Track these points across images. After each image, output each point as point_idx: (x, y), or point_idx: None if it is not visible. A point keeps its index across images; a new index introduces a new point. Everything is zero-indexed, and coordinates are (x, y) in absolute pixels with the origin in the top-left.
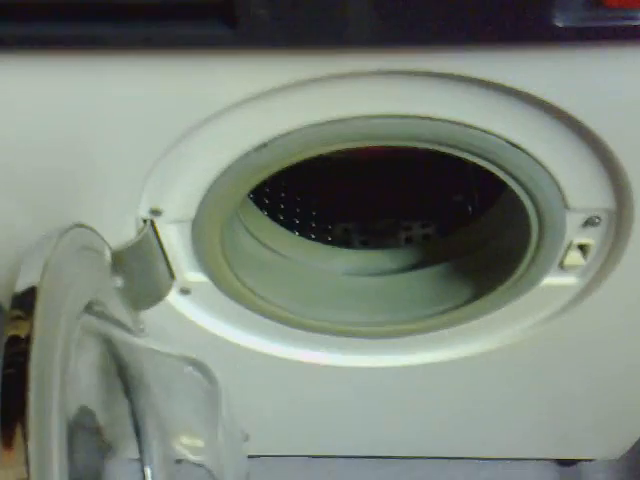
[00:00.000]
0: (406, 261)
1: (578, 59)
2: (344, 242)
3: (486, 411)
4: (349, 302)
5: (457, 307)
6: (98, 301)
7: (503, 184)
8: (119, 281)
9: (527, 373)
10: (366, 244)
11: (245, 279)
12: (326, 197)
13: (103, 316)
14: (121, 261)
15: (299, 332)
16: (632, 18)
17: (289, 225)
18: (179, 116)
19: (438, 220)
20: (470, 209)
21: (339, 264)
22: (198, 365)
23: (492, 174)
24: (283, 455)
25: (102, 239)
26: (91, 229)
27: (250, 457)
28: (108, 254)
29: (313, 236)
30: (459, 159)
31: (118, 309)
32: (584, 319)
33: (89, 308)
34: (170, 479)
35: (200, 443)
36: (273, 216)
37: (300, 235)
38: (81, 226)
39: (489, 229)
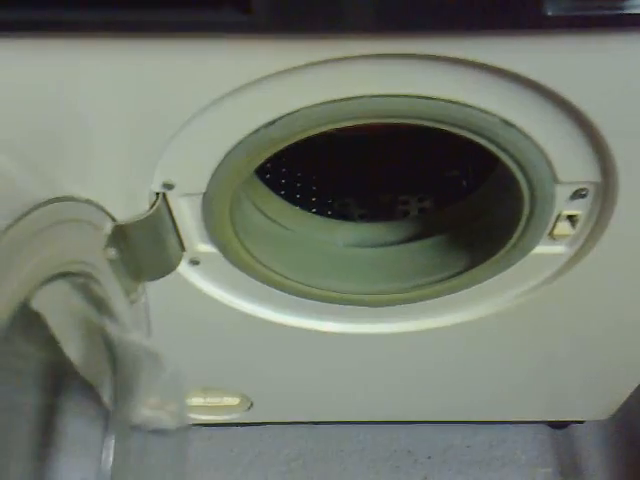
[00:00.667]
0: (404, 233)
1: (567, 44)
2: (343, 216)
3: (481, 375)
4: (350, 272)
5: (453, 276)
6: (83, 271)
7: (496, 159)
8: (113, 253)
9: (519, 338)
10: (365, 218)
11: (252, 250)
12: (326, 172)
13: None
14: (133, 233)
15: (303, 301)
16: (617, 7)
17: (290, 200)
18: (194, 95)
19: (435, 194)
20: (465, 183)
21: (340, 236)
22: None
23: (485, 150)
24: (286, 422)
25: (104, 213)
26: (90, 203)
27: (255, 424)
28: (108, 227)
29: (314, 210)
30: (455, 136)
31: (109, 280)
32: (573, 286)
33: (67, 275)
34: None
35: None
36: (275, 191)
37: (301, 209)
38: (74, 199)
39: (483, 202)
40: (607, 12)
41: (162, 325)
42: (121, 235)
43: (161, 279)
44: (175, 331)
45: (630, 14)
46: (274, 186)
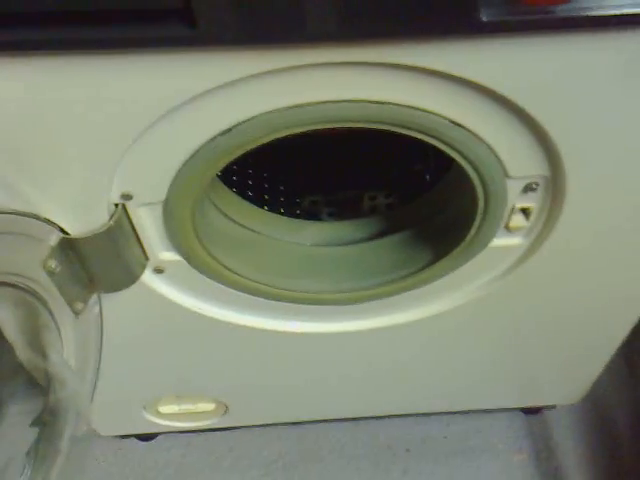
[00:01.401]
0: (370, 230)
1: (504, 46)
2: (313, 215)
3: (452, 366)
4: (318, 272)
5: (418, 271)
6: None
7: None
8: (54, 265)
9: (486, 328)
10: (333, 216)
11: (217, 255)
12: (293, 172)
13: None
14: (91, 245)
15: (272, 303)
16: (547, 12)
17: (258, 201)
18: (146, 108)
19: (400, 189)
20: (428, 177)
21: (308, 236)
22: None
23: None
24: (262, 425)
25: (48, 225)
26: (31, 216)
27: (232, 428)
28: (53, 239)
29: (282, 211)
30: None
31: (49, 293)
32: (532, 274)
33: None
34: None
35: None
36: (242, 193)
37: (270, 210)
38: (12, 213)
39: (443, 198)
40: (538, 17)
41: (129, 334)
42: (71, 247)
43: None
44: (142, 340)
45: (559, 18)
46: (241, 188)
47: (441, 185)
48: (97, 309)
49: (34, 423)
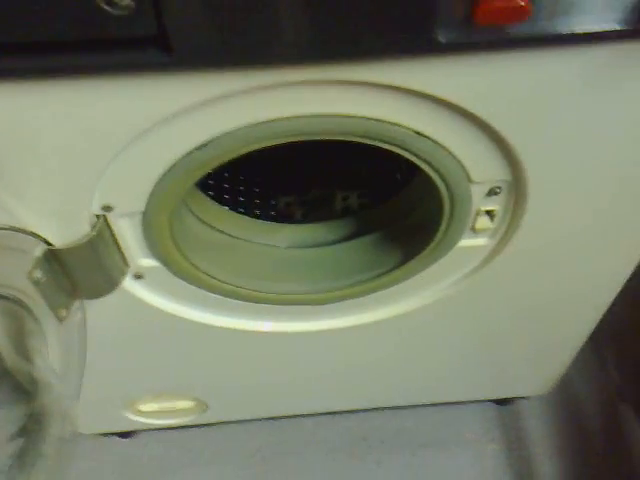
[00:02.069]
0: (343, 232)
1: (463, 64)
2: (287, 217)
3: (424, 361)
4: (293, 273)
5: (389, 271)
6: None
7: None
8: (40, 275)
9: (455, 324)
10: (307, 217)
11: (195, 261)
12: (268, 173)
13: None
14: (73, 255)
15: (248, 304)
16: (502, 32)
17: (234, 204)
18: (124, 127)
19: (371, 189)
20: (398, 177)
21: (282, 238)
22: None
23: None
24: (242, 420)
25: (32, 237)
26: (14, 229)
27: (210, 425)
28: (38, 250)
29: (258, 212)
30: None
31: (35, 302)
32: (498, 273)
33: None
34: None
35: None
36: (218, 197)
37: (246, 213)
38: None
39: (412, 201)
40: (495, 37)
41: (109, 337)
42: (55, 257)
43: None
44: (123, 342)
45: (515, 37)
46: (217, 192)
47: (409, 188)
48: (80, 315)
49: (20, 430)
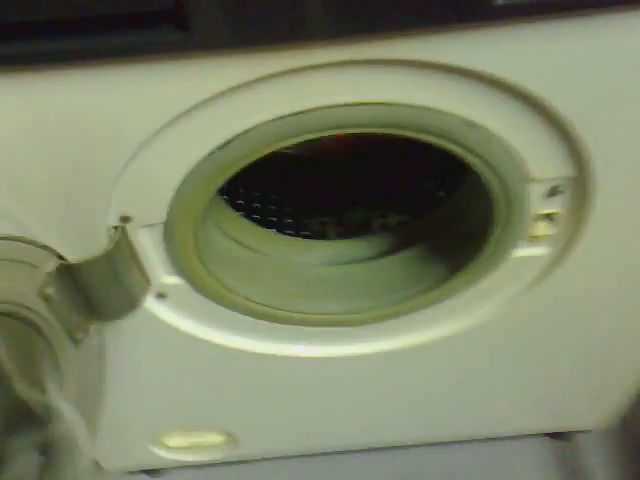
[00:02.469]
0: (381, 247)
1: (520, 34)
2: (321, 234)
3: (474, 391)
4: (327, 292)
5: (433, 287)
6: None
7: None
8: (52, 291)
9: (509, 348)
10: (342, 235)
11: (221, 278)
12: (301, 193)
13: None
14: (89, 271)
15: (280, 326)
16: None
17: (265, 223)
18: (140, 123)
19: (411, 207)
20: (443, 193)
21: (316, 255)
22: None
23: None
24: (273, 458)
25: (45, 250)
26: (25, 241)
27: (243, 462)
28: (51, 265)
29: (290, 232)
30: (426, 145)
31: (47, 321)
32: (558, 289)
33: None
34: None
35: None
36: (249, 216)
37: (277, 232)
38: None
39: (459, 208)
40: None
41: (133, 364)
42: (69, 273)
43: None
44: (147, 369)
45: None
46: (248, 211)
47: (456, 195)
48: (99, 339)
49: (35, 459)
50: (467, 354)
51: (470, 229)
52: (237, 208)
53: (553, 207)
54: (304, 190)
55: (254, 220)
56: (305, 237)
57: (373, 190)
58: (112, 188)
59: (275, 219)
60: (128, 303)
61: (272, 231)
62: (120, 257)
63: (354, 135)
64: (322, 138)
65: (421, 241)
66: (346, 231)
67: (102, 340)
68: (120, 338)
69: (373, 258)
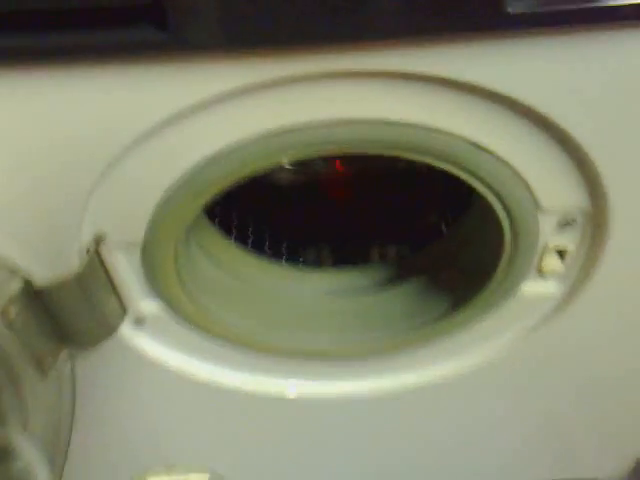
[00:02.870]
0: (379, 278)
1: (534, 47)
2: (316, 262)
3: (475, 436)
4: (322, 323)
5: (434, 321)
6: None
7: (472, 190)
8: (14, 315)
9: (515, 390)
10: (338, 263)
11: (206, 305)
12: (296, 222)
13: None
14: (59, 294)
15: (269, 361)
16: (586, 1)
17: (257, 250)
18: (117, 129)
19: (411, 238)
20: (444, 228)
21: (310, 286)
22: None
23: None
24: None
25: (8, 271)
26: None
27: None
28: (14, 285)
29: (285, 258)
30: (427, 174)
31: (10, 346)
32: (568, 329)
33: None
34: None
35: None
36: (238, 241)
37: (271, 258)
38: None
39: (462, 239)
40: (575, 6)
41: (107, 397)
42: (37, 295)
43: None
44: (123, 403)
45: (603, 7)
46: (240, 238)
47: (460, 226)
48: (69, 368)
49: None
50: (468, 396)
51: (474, 262)
52: (225, 231)
53: (564, 240)
54: (300, 219)
55: (244, 245)
56: (299, 265)
57: (371, 223)
58: (85, 201)
59: (268, 245)
60: (102, 330)
61: (264, 258)
62: (93, 280)
63: (354, 170)
64: (320, 169)
65: (422, 273)
66: (343, 260)
67: (73, 370)
68: (93, 368)
69: (371, 289)
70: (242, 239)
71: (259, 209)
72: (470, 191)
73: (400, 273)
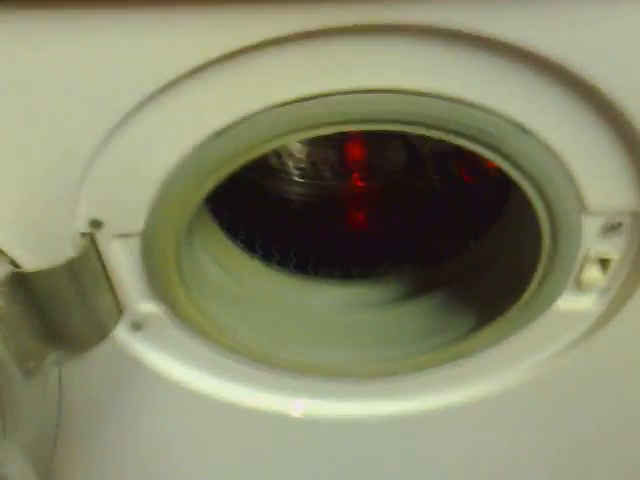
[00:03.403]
0: (398, 291)
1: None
2: (328, 274)
3: (499, 465)
4: (333, 338)
5: (458, 338)
6: None
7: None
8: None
9: (542, 418)
10: (350, 275)
11: (210, 312)
12: (310, 237)
13: None
14: (48, 284)
15: (275, 376)
16: None
17: (267, 258)
18: (118, 94)
19: (431, 255)
20: (472, 246)
21: (322, 298)
22: None
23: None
24: None
25: None
26: None
27: None
28: (1, 272)
29: (294, 267)
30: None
31: None
32: (605, 350)
33: None
34: None
35: None
36: (248, 248)
37: (280, 267)
38: None
39: (492, 249)
40: None
41: (94, 405)
42: (25, 283)
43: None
44: (114, 414)
45: None
46: (249, 246)
47: (489, 235)
48: (56, 374)
49: None
50: (491, 423)
51: (506, 272)
52: (233, 237)
53: (608, 247)
54: (314, 234)
55: (253, 253)
56: (310, 275)
57: (390, 239)
58: (81, 180)
59: (279, 256)
60: (95, 331)
61: (274, 267)
62: (87, 271)
63: (372, 187)
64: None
65: (446, 285)
66: (358, 274)
67: (60, 376)
68: (83, 375)
69: (388, 303)
70: (251, 249)
71: (272, 223)
72: (499, 200)
73: (419, 286)
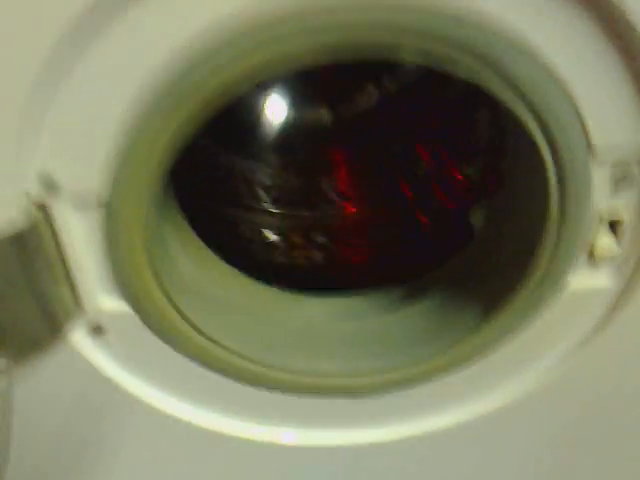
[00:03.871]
0: (390, 296)
1: None
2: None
3: None
4: (327, 349)
5: (463, 337)
6: None
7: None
8: None
9: (562, 429)
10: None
11: (185, 310)
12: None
13: None
14: None
15: (257, 393)
16: None
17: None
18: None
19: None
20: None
21: (308, 310)
22: None
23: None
24: None
25: None
26: None
27: None
28: None
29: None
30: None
31: None
32: (628, 338)
33: None
34: None
35: None
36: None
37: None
38: None
39: (491, 233)
40: None
41: (47, 424)
42: None
43: (41, 353)
44: (68, 433)
45: None
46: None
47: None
48: (5, 383)
49: None
50: (502, 441)
51: (512, 251)
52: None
53: (619, 204)
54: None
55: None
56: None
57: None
58: (25, 117)
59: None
60: (45, 324)
61: (256, 281)
62: (39, 249)
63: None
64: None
65: (441, 287)
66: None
67: (8, 386)
68: (35, 385)
69: (384, 310)
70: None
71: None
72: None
73: (418, 285)
